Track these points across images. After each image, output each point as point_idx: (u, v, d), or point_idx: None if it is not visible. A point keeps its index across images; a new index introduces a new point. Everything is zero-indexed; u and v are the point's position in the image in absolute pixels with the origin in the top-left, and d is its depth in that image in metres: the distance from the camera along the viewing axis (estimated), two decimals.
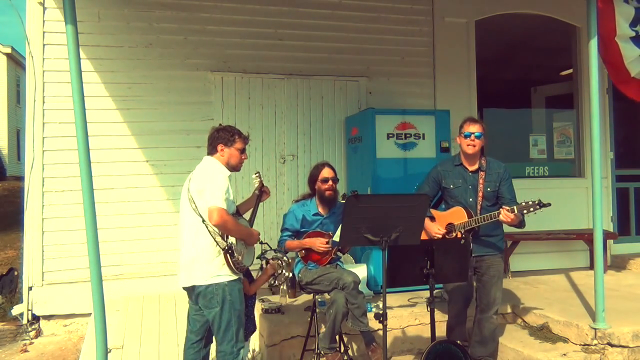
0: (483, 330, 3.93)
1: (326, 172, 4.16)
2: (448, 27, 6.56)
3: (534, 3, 6.75)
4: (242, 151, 3.48)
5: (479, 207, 3.88)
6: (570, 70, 7.32)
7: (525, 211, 3.57)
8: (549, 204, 3.53)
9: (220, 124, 3.60)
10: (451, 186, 3.98)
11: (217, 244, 3.20)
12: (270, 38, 6.02)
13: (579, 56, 6.96)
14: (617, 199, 6.98)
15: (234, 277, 3.27)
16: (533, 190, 6.32)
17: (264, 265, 3.85)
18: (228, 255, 3.19)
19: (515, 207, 3.60)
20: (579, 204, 6.63)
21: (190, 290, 3.35)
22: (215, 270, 3.23)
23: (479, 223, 3.77)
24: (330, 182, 4.14)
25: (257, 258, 3.86)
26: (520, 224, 3.71)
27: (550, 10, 6.79)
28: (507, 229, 3.98)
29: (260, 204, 3.81)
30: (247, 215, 3.65)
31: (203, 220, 3.20)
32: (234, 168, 3.46)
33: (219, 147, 3.40)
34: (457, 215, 3.88)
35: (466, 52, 6.63)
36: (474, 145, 3.87)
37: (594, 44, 4.18)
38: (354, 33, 6.28)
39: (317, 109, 6.21)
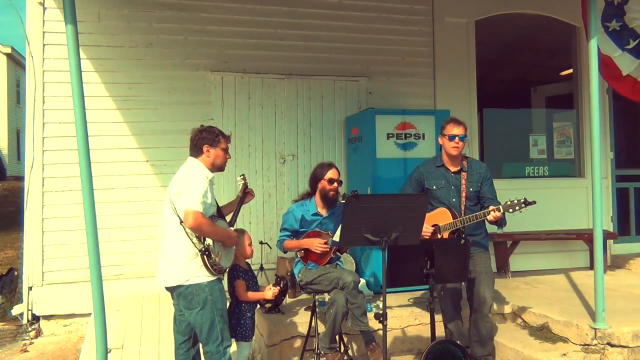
0: (480, 330, 3.93)
1: (332, 173, 4.18)
2: (448, 27, 6.56)
3: (534, 3, 6.74)
4: (227, 151, 3.50)
5: (462, 207, 3.91)
6: (570, 70, 7.32)
7: (511, 210, 3.59)
8: (534, 202, 3.56)
9: (201, 125, 3.58)
10: (434, 187, 3.99)
11: (194, 245, 3.21)
12: (270, 38, 6.02)
13: (579, 56, 6.96)
14: (617, 199, 6.98)
15: (213, 277, 3.28)
16: (533, 190, 6.34)
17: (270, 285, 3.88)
18: (205, 256, 3.21)
19: (501, 207, 3.62)
20: (579, 204, 6.63)
21: (172, 291, 3.36)
22: (194, 272, 3.23)
23: (464, 224, 3.77)
24: (335, 184, 4.17)
25: (275, 275, 3.91)
26: (502, 222, 3.73)
27: (550, 10, 6.80)
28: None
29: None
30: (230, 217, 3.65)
31: (181, 222, 3.21)
32: (219, 168, 3.47)
33: (205, 148, 3.39)
34: (442, 216, 3.89)
35: (466, 52, 6.62)
36: (459, 148, 3.90)
37: (594, 44, 4.18)
38: (354, 33, 6.28)
39: (317, 109, 6.21)
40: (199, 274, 3.24)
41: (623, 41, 4.82)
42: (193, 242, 3.21)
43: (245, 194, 3.78)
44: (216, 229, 3.29)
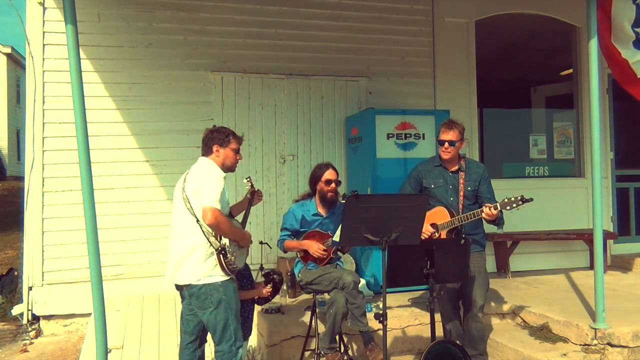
0: (470, 329, 3.94)
1: (330, 174, 4.17)
2: (448, 27, 6.57)
3: (534, 3, 6.75)
4: (237, 151, 3.50)
5: (460, 206, 3.92)
6: (570, 70, 7.32)
7: (508, 207, 3.60)
8: (531, 199, 3.57)
9: (214, 125, 3.60)
10: (432, 186, 4.01)
11: (211, 244, 3.21)
12: (270, 38, 6.02)
13: (579, 56, 6.96)
14: (617, 199, 6.99)
15: (227, 277, 3.27)
16: (533, 190, 6.33)
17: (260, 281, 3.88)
18: (221, 255, 3.21)
19: (497, 204, 3.63)
20: (579, 204, 6.64)
21: (182, 290, 3.35)
22: (208, 271, 3.23)
23: (461, 222, 3.79)
24: (333, 185, 4.15)
25: (263, 275, 3.93)
26: (500, 221, 3.74)
27: (550, 10, 6.80)
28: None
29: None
30: (239, 218, 3.66)
31: (197, 220, 3.21)
32: (229, 169, 3.47)
33: (214, 148, 3.41)
34: (440, 215, 3.90)
35: (466, 52, 6.63)
36: (449, 153, 3.92)
37: (594, 44, 4.18)
38: (354, 33, 6.28)
39: (317, 109, 6.21)
40: (213, 274, 3.23)
41: None
42: (210, 241, 3.21)
43: (254, 196, 3.78)
44: (233, 228, 3.31)
